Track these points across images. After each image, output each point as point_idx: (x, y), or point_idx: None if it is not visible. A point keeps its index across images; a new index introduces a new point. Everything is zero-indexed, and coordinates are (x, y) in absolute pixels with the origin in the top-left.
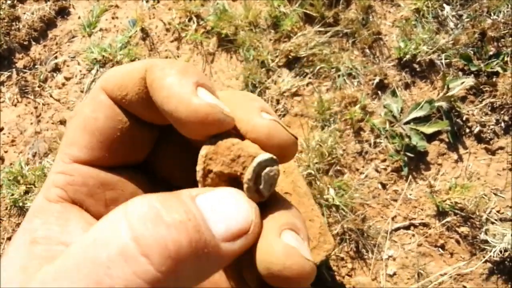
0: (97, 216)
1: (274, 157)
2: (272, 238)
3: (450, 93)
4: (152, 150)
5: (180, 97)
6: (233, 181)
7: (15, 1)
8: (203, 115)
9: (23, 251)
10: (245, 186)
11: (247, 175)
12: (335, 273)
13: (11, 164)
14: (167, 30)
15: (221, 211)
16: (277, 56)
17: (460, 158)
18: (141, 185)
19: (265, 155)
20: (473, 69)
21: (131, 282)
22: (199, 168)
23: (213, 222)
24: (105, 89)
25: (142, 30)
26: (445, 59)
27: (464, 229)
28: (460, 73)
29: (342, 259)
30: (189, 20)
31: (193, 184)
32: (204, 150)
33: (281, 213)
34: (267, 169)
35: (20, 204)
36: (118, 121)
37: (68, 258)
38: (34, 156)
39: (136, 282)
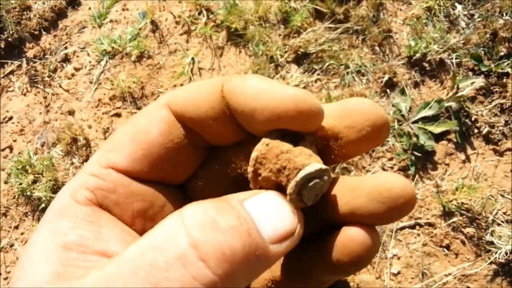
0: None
1: (324, 167)
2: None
3: (459, 93)
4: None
5: (273, 90)
6: (281, 186)
7: None
8: (300, 101)
9: (54, 256)
10: (288, 197)
11: (290, 189)
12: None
13: (19, 153)
14: (177, 23)
15: (268, 215)
16: (286, 52)
17: (467, 159)
18: (172, 200)
19: (312, 167)
20: (483, 69)
21: (189, 284)
22: (249, 169)
23: (262, 226)
24: (171, 105)
25: (152, 22)
26: (456, 58)
27: (470, 230)
28: (470, 73)
29: None
30: (199, 14)
31: None
32: (255, 153)
33: None
34: (314, 181)
35: (28, 193)
36: (170, 140)
37: (123, 263)
38: (42, 145)
39: (194, 284)
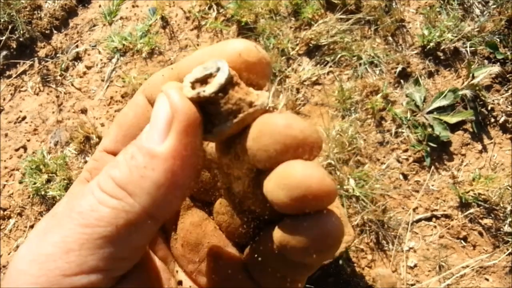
0: None
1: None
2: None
3: (475, 82)
4: None
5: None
6: None
7: None
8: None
9: (42, 225)
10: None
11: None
12: (355, 264)
13: (33, 152)
14: (187, 18)
15: (151, 123)
16: (297, 44)
17: (484, 149)
18: None
19: (226, 70)
20: (499, 57)
21: (96, 207)
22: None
23: (145, 139)
24: (144, 91)
25: (162, 18)
26: (470, 47)
27: (488, 221)
28: (486, 61)
29: (362, 250)
30: (209, 8)
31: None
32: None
33: None
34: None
35: (42, 192)
36: (143, 121)
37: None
38: (56, 145)
39: (99, 208)
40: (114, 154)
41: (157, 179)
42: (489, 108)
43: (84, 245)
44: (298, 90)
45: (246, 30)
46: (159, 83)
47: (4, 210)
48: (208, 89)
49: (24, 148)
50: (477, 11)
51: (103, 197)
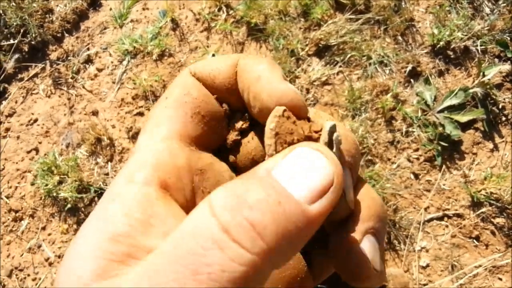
0: (183, 204)
1: (335, 123)
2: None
3: (485, 80)
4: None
5: (270, 80)
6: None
7: None
8: (289, 99)
9: (101, 249)
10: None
11: (323, 138)
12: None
13: (45, 154)
14: (197, 20)
15: (299, 174)
16: (307, 45)
17: (496, 147)
18: (225, 171)
19: (332, 122)
20: (509, 55)
21: (228, 267)
22: (270, 141)
23: (294, 187)
24: (194, 73)
25: (172, 20)
26: (481, 45)
27: (500, 220)
28: (496, 60)
29: None
30: (219, 10)
31: None
32: (272, 123)
33: (370, 207)
34: (335, 134)
35: (54, 194)
36: (207, 98)
37: (161, 256)
38: (67, 147)
39: (233, 266)
40: (181, 140)
41: (302, 238)
42: (500, 106)
43: None
44: (308, 91)
45: (255, 31)
46: (210, 68)
47: (16, 211)
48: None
49: (36, 150)
50: (487, 10)
51: (237, 253)
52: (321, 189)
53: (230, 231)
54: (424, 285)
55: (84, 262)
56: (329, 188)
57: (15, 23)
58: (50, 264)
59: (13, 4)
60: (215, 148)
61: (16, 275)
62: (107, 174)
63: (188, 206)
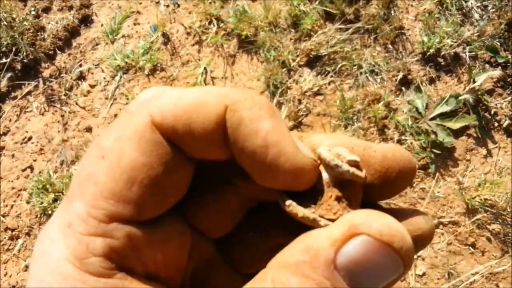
0: (146, 277)
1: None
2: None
3: (476, 86)
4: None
5: (282, 150)
6: None
7: (40, 11)
8: (307, 173)
9: None
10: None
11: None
12: None
13: (39, 172)
14: (188, 33)
15: (366, 271)
16: (298, 56)
17: (489, 153)
18: (185, 239)
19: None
20: (500, 61)
21: None
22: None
23: (359, 282)
24: (159, 123)
25: (164, 35)
26: (471, 51)
27: (495, 226)
28: (487, 66)
29: None
30: (210, 23)
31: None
32: (310, 211)
33: None
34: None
35: (49, 212)
36: (172, 164)
37: None
38: (61, 164)
39: None
40: (135, 220)
41: None
42: (492, 112)
43: None
44: (300, 101)
45: (246, 43)
46: (186, 109)
47: (13, 230)
48: None
49: (31, 168)
50: (476, 16)
51: None
52: (393, 282)
53: None
54: None
55: None
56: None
57: (6, 42)
58: None
59: (4, 23)
60: (174, 203)
61: None
62: None
63: (153, 279)
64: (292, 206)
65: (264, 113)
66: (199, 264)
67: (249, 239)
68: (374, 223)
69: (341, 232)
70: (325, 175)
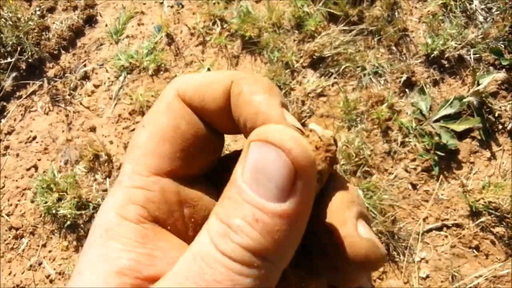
0: (177, 234)
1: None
2: (353, 233)
3: (480, 88)
4: (220, 163)
5: (269, 117)
6: None
7: (44, 11)
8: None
9: (107, 283)
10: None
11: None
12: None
13: (44, 172)
14: (192, 34)
15: (263, 175)
16: (301, 57)
17: (493, 156)
18: (214, 202)
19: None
20: (504, 63)
21: (238, 281)
22: None
23: (263, 195)
24: (182, 95)
25: (167, 35)
26: (475, 54)
27: (499, 229)
28: (491, 68)
29: None
30: (213, 24)
31: None
32: None
33: (350, 196)
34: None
35: (54, 211)
36: (197, 128)
37: (171, 279)
38: (66, 163)
39: (242, 280)
40: (172, 175)
41: (292, 241)
42: (496, 114)
43: None
44: (303, 103)
45: (250, 44)
46: (200, 85)
47: (17, 229)
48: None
49: (35, 167)
50: (481, 18)
51: (240, 268)
52: (288, 183)
53: (229, 254)
54: None
55: None
56: (296, 179)
57: (11, 42)
58: (51, 281)
59: (10, 23)
60: (204, 173)
61: None
62: (105, 190)
63: (182, 238)
64: None
65: (260, 89)
66: None
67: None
68: (259, 130)
69: (244, 149)
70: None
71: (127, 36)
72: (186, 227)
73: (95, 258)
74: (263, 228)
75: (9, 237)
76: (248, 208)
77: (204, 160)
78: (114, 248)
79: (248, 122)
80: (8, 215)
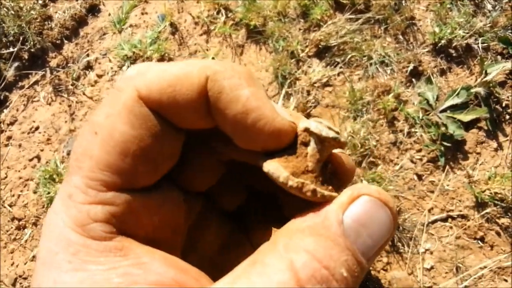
0: (144, 242)
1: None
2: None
3: (488, 78)
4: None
5: (261, 114)
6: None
7: (47, 1)
8: (285, 134)
9: None
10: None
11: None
12: (370, 267)
13: (47, 162)
14: (196, 23)
15: (366, 229)
16: (307, 46)
17: (500, 146)
18: (180, 203)
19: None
20: None
21: None
22: (294, 184)
23: (361, 247)
24: (146, 97)
25: (171, 24)
26: (483, 43)
27: (505, 221)
28: (499, 57)
29: None
30: (218, 13)
31: (222, 186)
32: (285, 172)
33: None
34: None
35: None
36: (160, 133)
37: None
38: (68, 154)
39: None
40: (132, 189)
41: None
42: (503, 104)
43: None
44: (308, 92)
45: (255, 33)
46: (170, 81)
47: (20, 220)
48: None
49: (38, 158)
50: (489, 6)
51: None
52: (382, 246)
53: None
54: (429, 287)
55: None
56: (386, 243)
57: (13, 32)
58: None
59: (12, 12)
60: (166, 173)
61: (20, 283)
62: None
63: (146, 242)
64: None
65: (243, 82)
66: (192, 224)
67: (201, 161)
68: (371, 188)
69: (347, 195)
70: (312, 144)
71: (131, 26)
72: (155, 232)
73: (78, 286)
74: (355, 282)
75: (12, 227)
76: (350, 258)
77: (167, 164)
78: (95, 270)
79: (238, 121)
80: (10, 205)
